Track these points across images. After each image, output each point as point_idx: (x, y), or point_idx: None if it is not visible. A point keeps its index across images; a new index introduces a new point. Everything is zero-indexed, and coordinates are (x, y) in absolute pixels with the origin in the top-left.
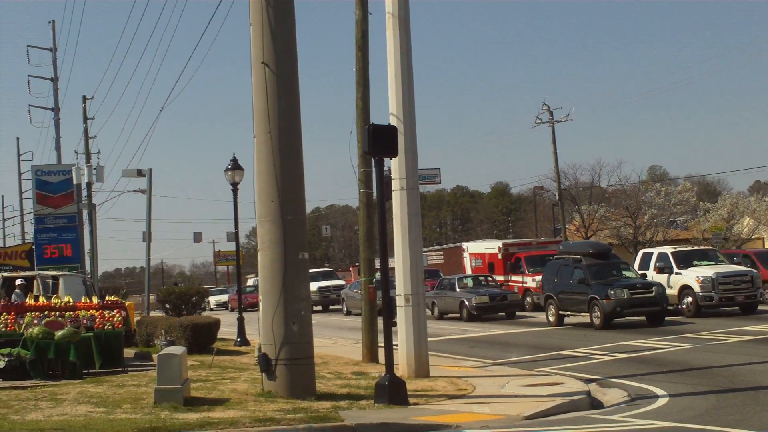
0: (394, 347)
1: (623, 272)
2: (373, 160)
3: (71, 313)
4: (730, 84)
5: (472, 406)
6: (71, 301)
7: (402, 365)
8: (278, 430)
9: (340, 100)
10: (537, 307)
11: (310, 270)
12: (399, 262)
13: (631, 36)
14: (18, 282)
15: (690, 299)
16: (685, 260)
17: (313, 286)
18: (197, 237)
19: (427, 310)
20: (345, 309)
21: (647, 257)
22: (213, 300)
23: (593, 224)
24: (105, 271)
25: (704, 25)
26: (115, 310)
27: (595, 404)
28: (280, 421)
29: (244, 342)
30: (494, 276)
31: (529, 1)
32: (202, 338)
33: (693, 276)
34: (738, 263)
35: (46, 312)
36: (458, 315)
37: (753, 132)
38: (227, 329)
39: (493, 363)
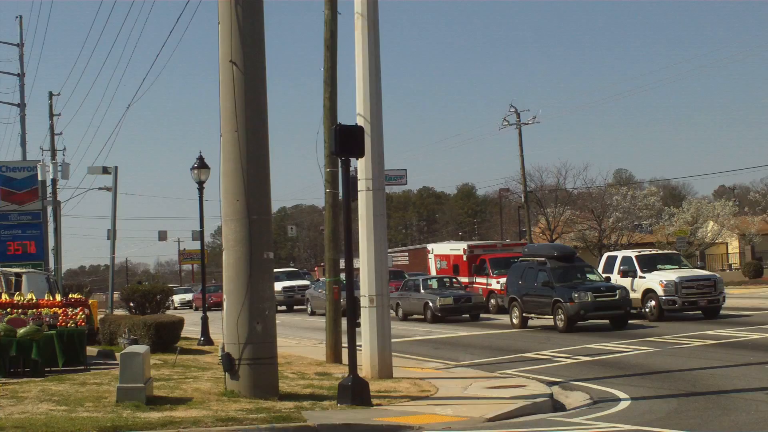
0: (357, 348)
1: (587, 275)
2: (339, 160)
3: (34, 310)
4: (696, 89)
5: (435, 408)
6: (34, 298)
7: (365, 366)
8: (241, 429)
9: (308, 100)
10: (501, 310)
11: (275, 270)
12: (364, 262)
13: (599, 40)
14: None
15: (653, 303)
16: (649, 264)
17: (278, 286)
18: (162, 235)
19: (392, 311)
20: (309, 309)
21: (611, 260)
22: (177, 299)
23: (558, 227)
24: (69, 268)
25: (670, 30)
26: (79, 308)
27: (558, 407)
28: (242, 420)
29: (208, 341)
30: (459, 278)
31: (498, 3)
32: (166, 337)
33: (657, 280)
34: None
35: (8, 309)
36: (422, 316)
37: (718, 137)
38: (191, 328)
39: (456, 365)
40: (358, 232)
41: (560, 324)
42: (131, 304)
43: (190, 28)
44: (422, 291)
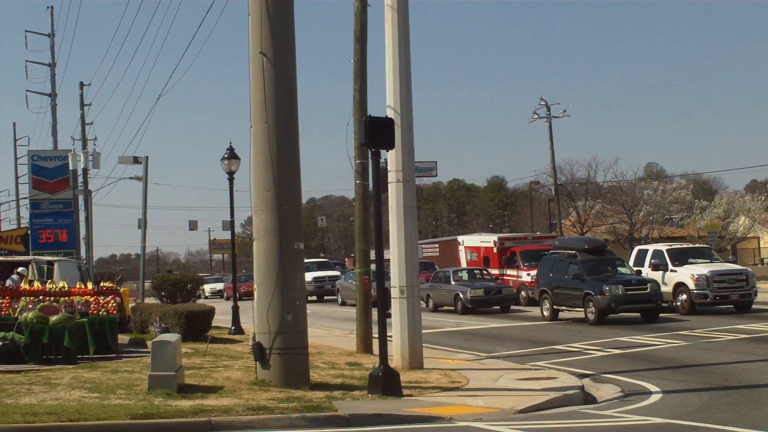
0: (388, 339)
1: (618, 268)
2: (369, 152)
3: (66, 298)
4: (729, 83)
5: (466, 399)
6: (66, 286)
7: (396, 357)
8: (271, 418)
9: (338, 91)
10: (532, 302)
11: (306, 260)
12: (394, 253)
13: (630, 33)
14: (20, 269)
15: (684, 297)
16: (681, 258)
17: (309, 276)
18: (193, 225)
19: (422, 302)
20: (340, 299)
21: (642, 254)
22: (208, 288)
23: (589, 220)
24: (100, 257)
25: (704, 24)
26: (110, 296)
27: (589, 399)
28: (273, 409)
29: (239, 330)
30: (489, 270)
31: None
32: (197, 326)
33: (688, 274)
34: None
35: (41, 297)
36: (453, 308)
37: (750, 131)
38: (222, 317)
39: (487, 356)
40: (388, 224)
41: (591, 317)
42: (162, 293)
43: (221, 18)
44: (453, 282)
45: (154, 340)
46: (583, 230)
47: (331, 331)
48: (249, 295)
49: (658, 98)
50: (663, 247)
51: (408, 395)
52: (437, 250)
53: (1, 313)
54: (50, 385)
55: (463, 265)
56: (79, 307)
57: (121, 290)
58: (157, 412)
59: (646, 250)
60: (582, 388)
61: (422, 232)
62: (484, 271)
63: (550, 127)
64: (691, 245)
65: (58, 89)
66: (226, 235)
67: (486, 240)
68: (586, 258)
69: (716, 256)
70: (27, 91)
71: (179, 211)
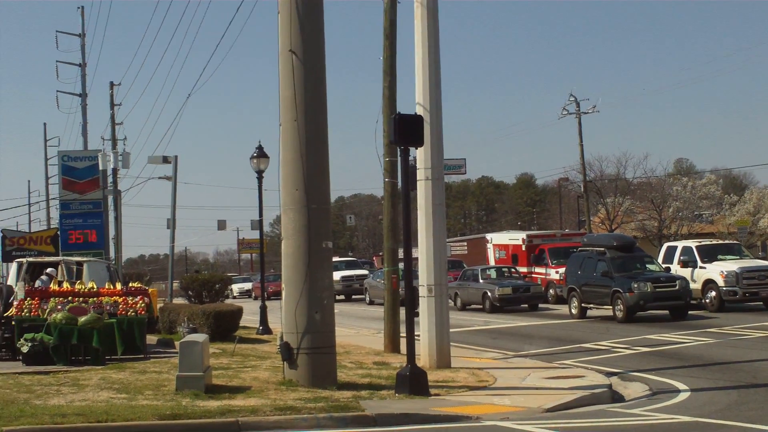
0: (416, 337)
1: (647, 265)
2: (398, 149)
3: (95, 299)
4: (760, 77)
5: (493, 398)
6: (95, 287)
7: (423, 356)
8: (299, 418)
9: (368, 89)
10: (560, 300)
11: (334, 259)
12: (422, 252)
13: (660, 27)
14: (49, 270)
15: (714, 294)
16: (710, 254)
17: (336, 275)
18: (221, 224)
19: (450, 300)
20: (368, 298)
21: (671, 251)
22: (236, 288)
23: (618, 217)
24: (129, 257)
25: (734, 17)
26: (139, 297)
27: (617, 398)
28: (300, 409)
29: (267, 330)
30: (518, 267)
31: None
32: (225, 326)
33: (717, 270)
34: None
35: (69, 298)
36: (481, 306)
37: None
38: (250, 317)
39: (514, 355)
40: (416, 222)
41: (619, 314)
42: (190, 293)
43: (251, 17)
44: (481, 281)
45: (182, 340)
46: (612, 227)
47: (359, 331)
48: (277, 295)
49: (687, 93)
50: (692, 243)
51: (435, 394)
52: (465, 248)
53: (31, 314)
54: (78, 386)
55: (492, 263)
56: (108, 307)
57: (150, 290)
58: (185, 412)
59: (675, 247)
60: (610, 386)
61: (451, 230)
62: (513, 269)
63: (580, 123)
64: (720, 242)
65: (89, 89)
66: (255, 235)
67: (514, 238)
68: (614, 255)
69: (746, 253)
70: (58, 91)
71: (208, 210)
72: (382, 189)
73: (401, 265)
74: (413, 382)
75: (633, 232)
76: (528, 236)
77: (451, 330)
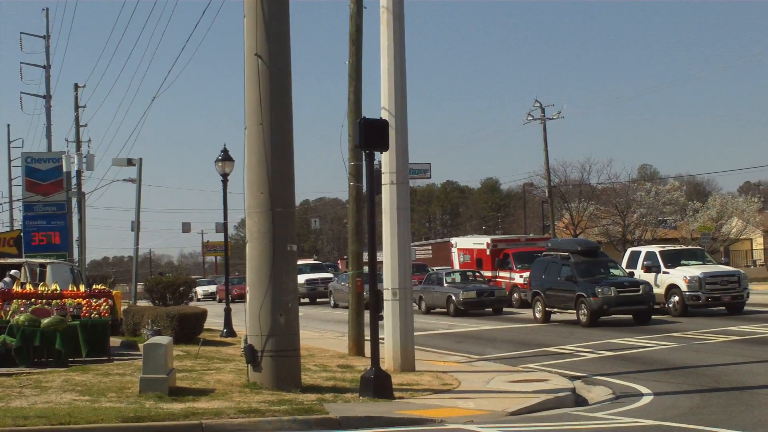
0: (380, 341)
1: (611, 270)
2: (363, 153)
3: (58, 301)
4: (722, 85)
5: (457, 401)
6: (58, 289)
7: (388, 359)
8: (263, 421)
9: (333, 93)
10: (524, 304)
11: (299, 262)
12: (387, 255)
13: (624, 35)
14: (12, 272)
15: (677, 298)
16: (673, 259)
17: (301, 278)
18: (186, 227)
19: (414, 304)
20: (332, 302)
21: (635, 256)
22: (201, 290)
23: (582, 222)
24: (93, 259)
25: (697, 27)
26: (102, 299)
27: (580, 401)
28: (264, 412)
29: (231, 333)
30: (482, 272)
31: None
32: (189, 328)
33: (680, 275)
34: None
35: (32, 299)
36: (445, 310)
37: (743, 133)
38: (214, 320)
39: (479, 358)
40: (381, 226)
41: (583, 318)
42: (154, 296)
43: (216, 20)
44: (445, 284)
45: (146, 342)
46: (576, 232)
47: (323, 334)
48: (241, 298)
49: (652, 100)
50: (656, 248)
51: (399, 398)
52: (430, 252)
53: None
54: (41, 389)
55: (456, 267)
56: (71, 309)
57: (114, 293)
58: (148, 415)
59: (639, 252)
60: (573, 390)
61: (415, 234)
62: (477, 273)
63: (545, 129)
64: (683, 247)
65: (53, 91)
66: (219, 238)
67: (479, 242)
68: (578, 260)
69: (709, 258)
70: (22, 93)
71: (172, 213)
72: (348, 193)
73: (366, 269)
74: (378, 385)
75: (597, 237)
76: (492, 240)
77: (415, 333)
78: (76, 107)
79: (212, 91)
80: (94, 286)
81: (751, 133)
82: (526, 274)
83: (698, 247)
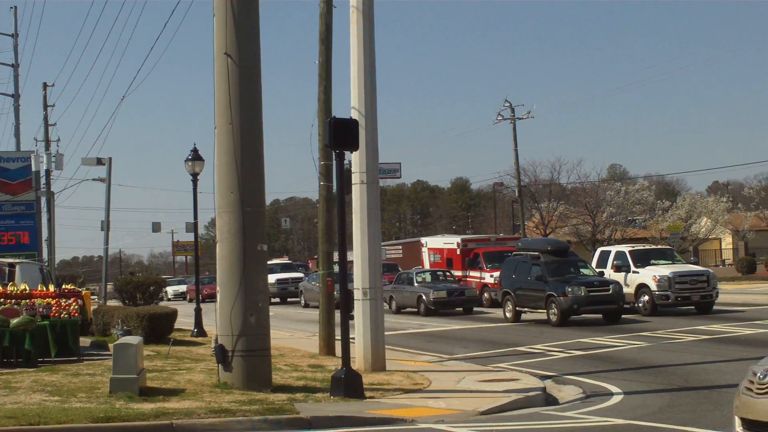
0: (351, 340)
1: (581, 270)
2: (333, 153)
3: (27, 300)
4: (691, 86)
5: (428, 401)
6: (27, 288)
7: (359, 359)
8: (233, 421)
9: (303, 93)
10: (494, 303)
11: (269, 262)
12: (358, 255)
13: (594, 35)
14: None
15: (646, 298)
16: (643, 259)
17: (272, 278)
18: (156, 227)
19: (385, 304)
20: (303, 301)
21: (605, 255)
22: (171, 290)
23: (552, 221)
24: (62, 259)
25: (665, 27)
26: (72, 299)
27: (551, 401)
28: (235, 412)
29: (201, 333)
30: (452, 271)
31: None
32: (159, 328)
33: (650, 275)
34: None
35: (1, 300)
36: (416, 309)
37: (712, 133)
38: (185, 320)
39: (449, 358)
40: (352, 225)
41: (553, 318)
42: (124, 296)
43: (186, 19)
44: (416, 284)
45: (116, 342)
46: (547, 232)
47: (293, 334)
48: (212, 297)
49: (621, 100)
50: (625, 248)
51: (370, 397)
52: (400, 251)
53: None
54: (10, 389)
55: (426, 266)
56: (41, 309)
57: (83, 293)
58: (119, 415)
59: (609, 252)
60: (544, 389)
61: (386, 234)
62: (447, 273)
63: (514, 129)
64: (653, 246)
65: (22, 90)
66: (190, 237)
67: (449, 242)
68: (548, 259)
69: (678, 258)
70: None
71: (142, 212)
72: (318, 192)
73: (336, 268)
74: (348, 384)
75: (567, 237)
76: (463, 240)
77: (386, 333)
78: (45, 106)
79: (182, 90)
80: (63, 286)
81: (720, 133)
82: (497, 274)
83: (668, 247)
